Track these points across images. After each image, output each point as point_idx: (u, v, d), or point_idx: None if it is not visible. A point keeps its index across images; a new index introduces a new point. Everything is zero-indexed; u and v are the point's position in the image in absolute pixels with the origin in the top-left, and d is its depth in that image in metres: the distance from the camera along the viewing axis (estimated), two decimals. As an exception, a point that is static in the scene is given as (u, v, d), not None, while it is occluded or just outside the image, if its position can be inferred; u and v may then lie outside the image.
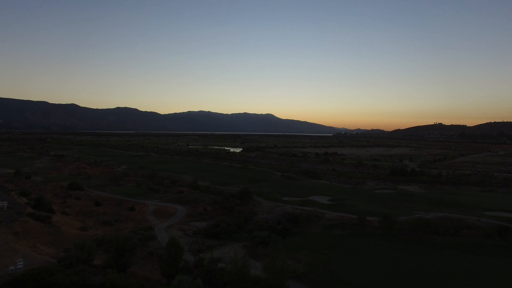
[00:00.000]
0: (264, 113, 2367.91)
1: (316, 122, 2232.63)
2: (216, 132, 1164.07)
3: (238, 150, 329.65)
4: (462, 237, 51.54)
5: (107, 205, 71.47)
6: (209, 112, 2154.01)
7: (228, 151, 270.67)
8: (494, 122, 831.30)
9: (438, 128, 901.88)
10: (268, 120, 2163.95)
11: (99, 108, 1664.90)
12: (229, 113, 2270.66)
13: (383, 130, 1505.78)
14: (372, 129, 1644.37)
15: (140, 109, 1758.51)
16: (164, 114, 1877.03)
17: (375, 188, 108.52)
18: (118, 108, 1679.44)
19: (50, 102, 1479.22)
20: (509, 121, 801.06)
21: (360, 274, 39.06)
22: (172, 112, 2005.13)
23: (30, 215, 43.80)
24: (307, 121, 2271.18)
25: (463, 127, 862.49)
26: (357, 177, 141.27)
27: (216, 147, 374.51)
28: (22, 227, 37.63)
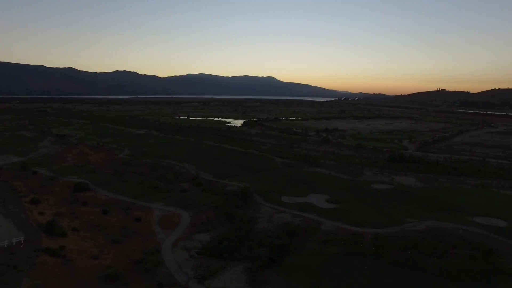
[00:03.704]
0: (265, 76, 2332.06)
1: (318, 85, 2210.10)
2: (216, 97, 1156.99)
3: (239, 122, 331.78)
4: (448, 258, 55.12)
5: (114, 212, 74.89)
6: (209, 75, 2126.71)
7: (229, 127, 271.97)
8: (499, 89, 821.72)
9: (441, 94, 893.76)
10: (270, 83, 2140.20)
11: (98, 72, 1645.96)
12: (230, 75, 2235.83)
13: (385, 95, 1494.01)
14: (374, 94, 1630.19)
15: (139, 73, 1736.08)
16: (164, 77, 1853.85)
17: (372, 181, 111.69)
18: (117, 71, 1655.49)
19: (47, 66, 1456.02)
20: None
21: (351, 308, 42.92)
22: (172, 75, 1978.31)
23: (46, 250, 47.16)
24: (309, 84, 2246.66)
25: (467, 93, 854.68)
26: (355, 163, 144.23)
27: (216, 119, 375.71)
28: (41, 273, 40.94)
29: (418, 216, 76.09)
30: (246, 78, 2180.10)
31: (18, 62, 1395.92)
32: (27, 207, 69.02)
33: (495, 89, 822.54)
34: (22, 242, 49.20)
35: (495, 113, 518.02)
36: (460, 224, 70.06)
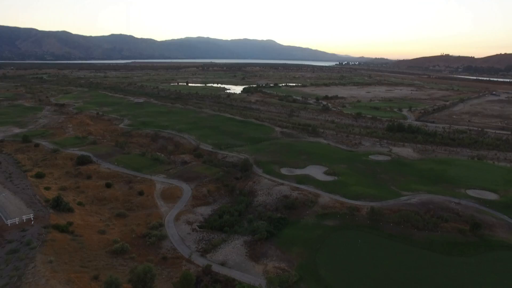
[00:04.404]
0: (265, 39, 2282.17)
1: (318, 49, 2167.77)
2: (215, 61, 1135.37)
3: (238, 89, 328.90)
4: (439, 232, 57.75)
5: (117, 185, 76.96)
6: (207, 38, 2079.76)
7: (229, 94, 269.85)
8: (504, 53, 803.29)
9: (444, 59, 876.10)
10: (269, 46, 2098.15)
11: (93, 35, 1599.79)
12: (229, 39, 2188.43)
13: (387, 59, 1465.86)
14: (376, 58, 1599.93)
15: (136, 36, 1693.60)
16: (161, 41, 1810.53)
17: (371, 152, 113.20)
18: (112, 35, 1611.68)
19: (40, 29, 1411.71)
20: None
21: (344, 280, 45.77)
22: (170, 38, 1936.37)
23: (55, 227, 49.32)
24: (310, 47, 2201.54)
25: (471, 59, 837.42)
26: (354, 133, 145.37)
27: (216, 85, 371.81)
28: (53, 249, 43.27)
29: (413, 189, 78.23)
30: (245, 42, 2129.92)
31: (8, 25, 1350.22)
32: (33, 182, 70.86)
33: (500, 54, 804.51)
34: (32, 219, 51.36)
35: (498, 79, 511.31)
36: (453, 197, 72.31)
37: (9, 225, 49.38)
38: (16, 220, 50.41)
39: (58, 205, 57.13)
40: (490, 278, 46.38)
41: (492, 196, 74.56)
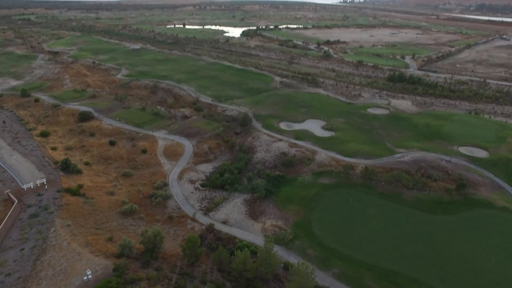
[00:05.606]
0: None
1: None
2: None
3: (237, 31, 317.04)
4: (427, 191, 61.40)
5: (121, 142, 79.27)
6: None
7: (227, 39, 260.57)
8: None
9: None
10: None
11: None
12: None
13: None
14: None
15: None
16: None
17: (370, 105, 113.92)
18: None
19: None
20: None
21: (335, 236, 50.24)
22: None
23: (68, 190, 52.41)
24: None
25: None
26: (355, 83, 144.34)
27: (214, 27, 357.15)
28: (68, 213, 46.69)
29: (407, 146, 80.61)
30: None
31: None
32: (39, 142, 72.87)
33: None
34: (45, 183, 54.30)
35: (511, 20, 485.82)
36: (445, 155, 75.03)
37: (25, 189, 52.49)
38: (31, 184, 53.37)
39: (67, 167, 59.89)
40: (466, 234, 50.90)
41: (482, 153, 77.28)
